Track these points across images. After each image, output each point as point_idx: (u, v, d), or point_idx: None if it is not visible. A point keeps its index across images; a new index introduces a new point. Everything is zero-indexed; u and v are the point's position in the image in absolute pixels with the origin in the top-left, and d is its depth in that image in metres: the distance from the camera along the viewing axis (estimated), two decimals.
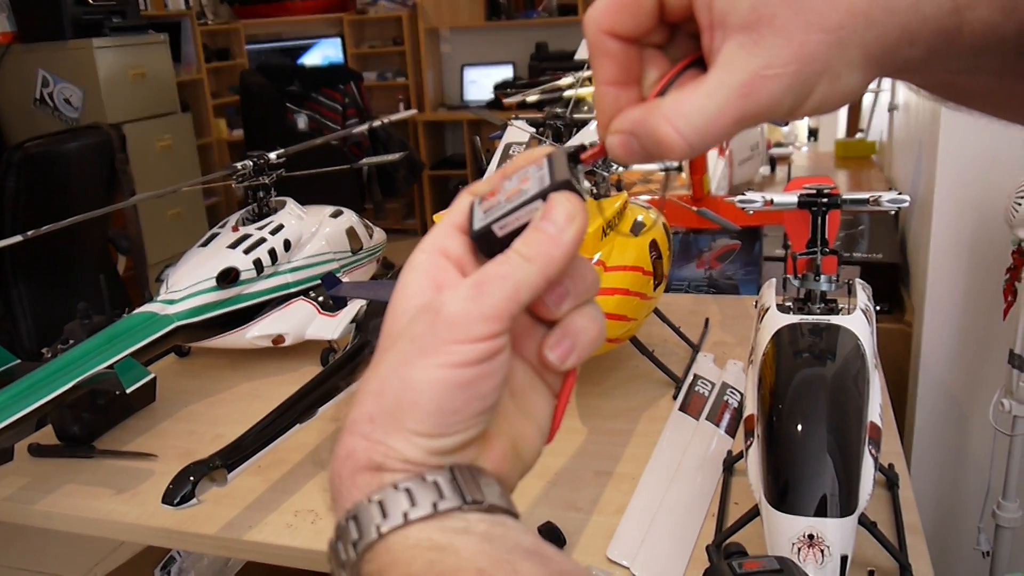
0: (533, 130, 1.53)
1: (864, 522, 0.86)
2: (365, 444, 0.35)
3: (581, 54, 2.68)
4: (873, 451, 0.85)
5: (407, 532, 0.33)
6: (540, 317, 0.38)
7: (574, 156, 0.38)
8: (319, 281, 1.59)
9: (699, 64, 0.35)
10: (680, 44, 0.37)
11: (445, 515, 0.33)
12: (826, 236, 1.06)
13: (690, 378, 1.36)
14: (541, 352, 0.38)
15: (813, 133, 3.39)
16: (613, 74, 0.36)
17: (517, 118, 1.47)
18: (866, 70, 0.32)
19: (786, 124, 2.80)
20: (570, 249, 0.35)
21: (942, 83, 0.38)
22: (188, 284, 1.43)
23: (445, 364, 0.34)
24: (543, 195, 0.36)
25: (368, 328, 1.43)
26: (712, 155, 2.31)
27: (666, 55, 0.37)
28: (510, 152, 1.36)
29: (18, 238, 1.29)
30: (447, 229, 0.39)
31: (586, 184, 0.38)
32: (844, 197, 1.06)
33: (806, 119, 3.34)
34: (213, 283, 1.44)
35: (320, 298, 1.57)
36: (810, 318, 0.98)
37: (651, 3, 0.35)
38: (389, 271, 1.87)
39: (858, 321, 0.97)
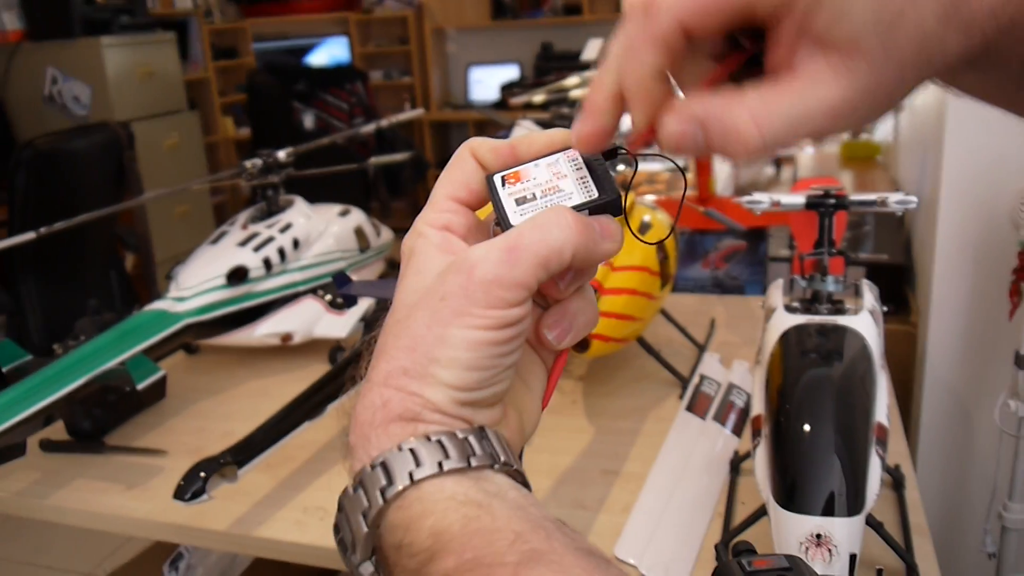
0: (539, 129, 1.53)
1: (871, 522, 0.86)
2: (400, 395, 0.36)
3: (587, 54, 2.68)
4: (880, 451, 0.85)
5: (443, 484, 0.34)
6: (539, 295, 0.40)
7: (607, 155, 0.39)
8: (328, 279, 1.60)
9: (754, 61, 0.36)
10: (713, 43, 0.37)
11: (478, 475, 0.34)
12: (833, 237, 1.06)
13: (696, 378, 1.36)
14: (539, 330, 0.40)
15: None
16: (663, 66, 0.35)
17: (524, 118, 1.48)
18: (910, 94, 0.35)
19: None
20: (604, 254, 0.38)
21: (945, 81, 0.40)
22: (198, 282, 1.44)
23: (480, 326, 0.35)
24: (588, 208, 0.38)
25: (376, 326, 1.43)
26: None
27: (699, 51, 0.37)
28: None
29: (31, 235, 1.30)
30: (448, 204, 0.40)
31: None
32: (851, 198, 1.07)
33: None
34: (222, 281, 1.45)
35: (328, 296, 1.57)
36: (817, 319, 0.99)
37: (740, 8, 0.33)
38: (396, 270, 1.87)
39: (865, 322, 0.97)
